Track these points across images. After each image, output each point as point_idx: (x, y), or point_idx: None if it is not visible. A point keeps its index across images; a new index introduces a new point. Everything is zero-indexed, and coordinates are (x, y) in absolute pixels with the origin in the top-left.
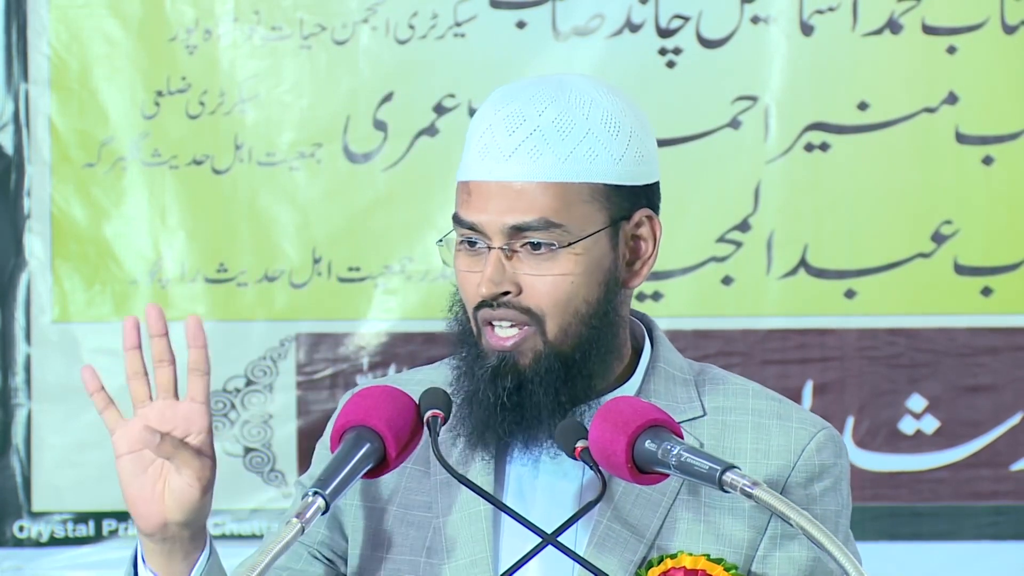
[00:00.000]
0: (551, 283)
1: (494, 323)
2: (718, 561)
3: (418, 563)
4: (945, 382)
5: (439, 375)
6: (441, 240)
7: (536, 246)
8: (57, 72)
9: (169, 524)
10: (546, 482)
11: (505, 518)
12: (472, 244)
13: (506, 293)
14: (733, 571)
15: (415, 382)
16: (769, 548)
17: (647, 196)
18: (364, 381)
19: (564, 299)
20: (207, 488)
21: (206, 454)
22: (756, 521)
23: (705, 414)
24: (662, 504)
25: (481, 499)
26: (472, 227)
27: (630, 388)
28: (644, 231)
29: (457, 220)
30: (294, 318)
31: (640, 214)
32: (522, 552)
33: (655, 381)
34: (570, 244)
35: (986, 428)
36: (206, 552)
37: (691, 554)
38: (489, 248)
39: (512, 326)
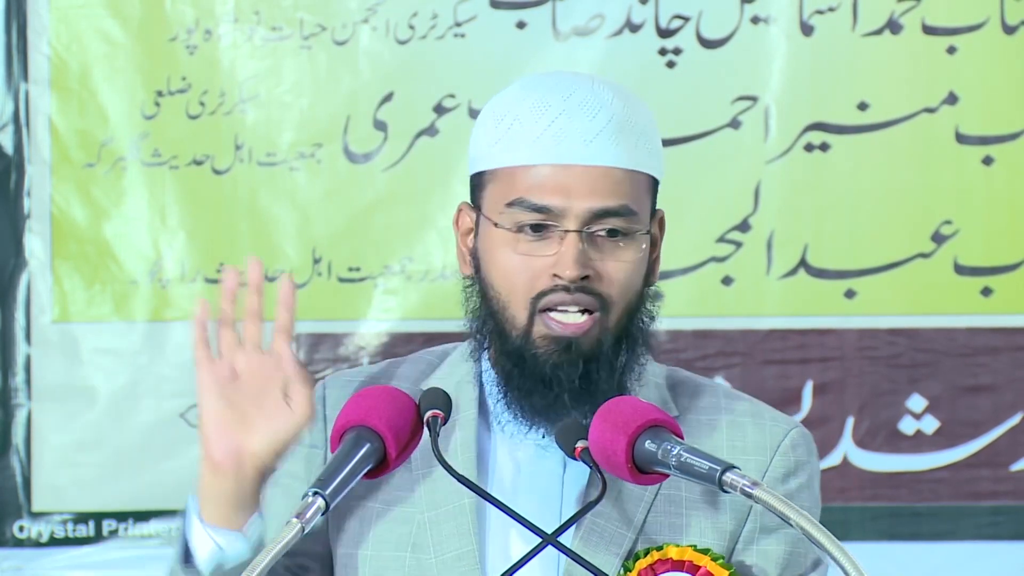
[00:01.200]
0: (622, 270)
1: (559, 308)
2: (705, 551)
3: (403, 558)
4: (945, 382)
5: (413, 370)
6: (499, 224)
7: (613, 233)
8: (57, 72)
9: (244, 454)
10: (529, 478)
11: (490, 511)
12: (536, 229)
13: (586, 277)
14: (720, 561)
15: (397, 377)
16: (748, 541)
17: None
18: (340, 368)
19: (629, 287)
20: (299, 426)
21: (297, 400)
22: (736, 514)
23: (679, 414)
24: (644, 498)
25: (465, 493)
26: (546, 210)
27: None
28: (659, 230)
29: (522, 204)
30: (294, 318)
31: (660, 212)
32: (508, 546)
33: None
34: (645, 233)
35: (986, 428)
36: (257, 514)
37: (677, 545)
38: (566, 231)
39: (581, 311)
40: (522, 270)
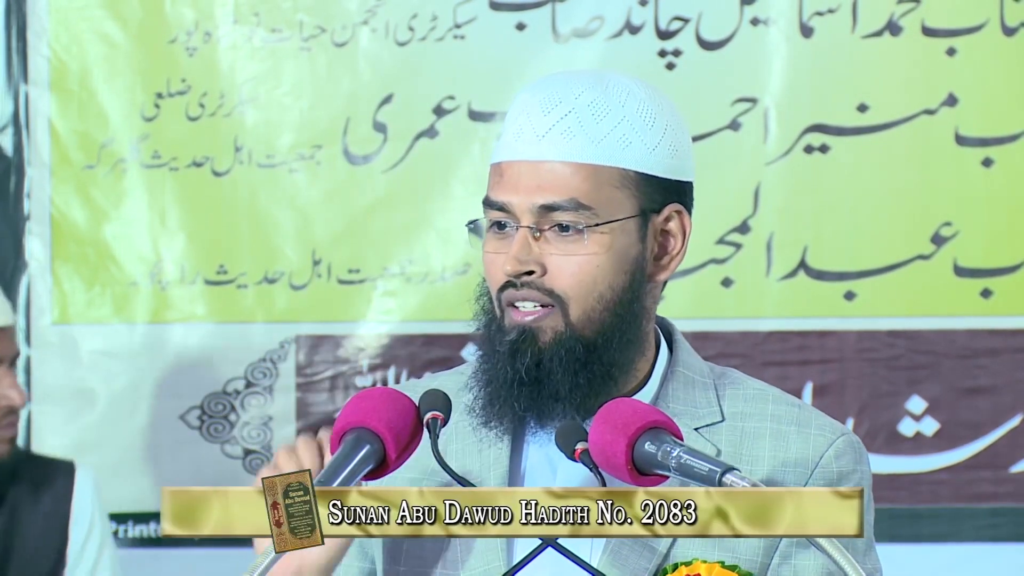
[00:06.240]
0: (576, 264)
1: (517, 304)
2: (733, 568)
3: (433, 574)
4: (945, 384)
5: (454, 381)
6: (472, 223)
7: (564, 228)
8: (57, 74)
9: (304, 570)
10: (563, 482)
11: None
12: (501, 227)
13: (530, 272)
14: None
15: (436, 386)
16: (785, 556)
17: (679, 192)
18: (364, 383)
19: (589, 282)
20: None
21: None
22: None
23: (724, 419)
24: None
25: None
26: (502, 207)
27: (649, 391)
28: (674, 226)
29: (487, 202)
30: (294, 320)
31: (670, 208)
32: (537, 560)
33: (674, 384)
34: (597, 225)
35: (986, 430)
36: None
37: (705, 561)
38: (517, 228)
39: (535, 307)
40: (490, 266)
